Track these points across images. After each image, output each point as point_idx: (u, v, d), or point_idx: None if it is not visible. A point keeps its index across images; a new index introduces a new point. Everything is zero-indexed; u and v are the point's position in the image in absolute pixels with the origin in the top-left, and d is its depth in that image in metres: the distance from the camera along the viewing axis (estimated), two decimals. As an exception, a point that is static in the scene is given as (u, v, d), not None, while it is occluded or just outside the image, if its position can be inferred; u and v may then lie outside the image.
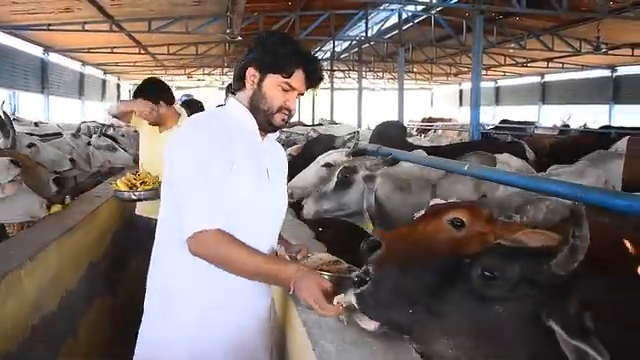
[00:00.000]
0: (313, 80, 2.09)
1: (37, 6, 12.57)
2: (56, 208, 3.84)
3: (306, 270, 1.90)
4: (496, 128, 15.33)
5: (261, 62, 2.03)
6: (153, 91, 4.00)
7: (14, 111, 15.37)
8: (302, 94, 2.11)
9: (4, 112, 4.39)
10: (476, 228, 2.18)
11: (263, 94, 2.04)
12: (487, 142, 8.05)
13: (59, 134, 6.80)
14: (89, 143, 6.44)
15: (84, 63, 23.16)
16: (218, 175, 1.92)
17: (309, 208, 3.76)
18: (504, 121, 19.55)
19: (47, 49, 18.38)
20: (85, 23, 14.15)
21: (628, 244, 1.76)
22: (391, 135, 6.37)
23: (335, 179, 3.79)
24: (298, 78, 2.04)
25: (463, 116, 28.29)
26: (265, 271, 1.92)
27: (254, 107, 2.07)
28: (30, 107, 17.66)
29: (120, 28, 15.08)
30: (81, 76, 23.33)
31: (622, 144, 7.48)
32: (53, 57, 19.35)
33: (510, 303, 1.51)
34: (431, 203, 2.58)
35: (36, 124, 8.34)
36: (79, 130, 6.80)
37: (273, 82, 2.03)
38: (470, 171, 3.18)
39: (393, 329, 1.70)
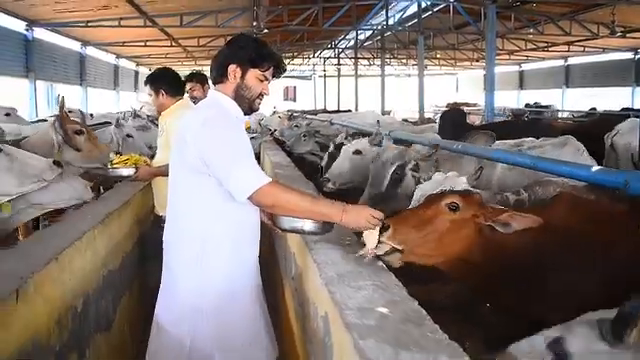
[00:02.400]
0: (280, 72, 2.66)
1: (77, 5, 13.34)
2: None
3: (349, 205, 2.41)
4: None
5: (244, 60, 2.52)
6: (153, 81, 4.47)
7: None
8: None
9: (62, 109, 4.92)
10: (470, 211, 2.59)
11: (246, 84, 2.54)
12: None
13: (107, 123, 7.34)
14: (128, 135, 6.64)
15: (118, 56, 23.96)
16: (249, 147, 2.45)
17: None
18: (527, 105, 19.87)
19: (85, 43, 19.24)
20: (121, 19, 14.87)
21: None
22: (454, 120, 8.31)
23: (388, 178, 4.12)
24: (271, 71, 2.60)
25: (488, 100, 28.26)
26: (317, 210, 2.39)
27: (239, 96, 2.55)
28: (69, 98, 18.43)
29: (153, 23, 15.75)
30: (115, 68, 24.19)
31: (623, 126, 7.76)
32: (90, 51, 20.18)
33: None
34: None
35: (91, 115, 8.86)
36: (118, 120, 6.90)
37: (253, 75, 2.54)
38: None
39: None
